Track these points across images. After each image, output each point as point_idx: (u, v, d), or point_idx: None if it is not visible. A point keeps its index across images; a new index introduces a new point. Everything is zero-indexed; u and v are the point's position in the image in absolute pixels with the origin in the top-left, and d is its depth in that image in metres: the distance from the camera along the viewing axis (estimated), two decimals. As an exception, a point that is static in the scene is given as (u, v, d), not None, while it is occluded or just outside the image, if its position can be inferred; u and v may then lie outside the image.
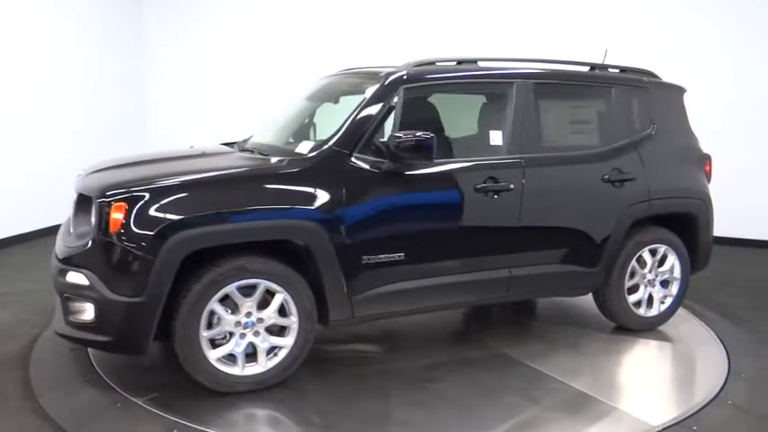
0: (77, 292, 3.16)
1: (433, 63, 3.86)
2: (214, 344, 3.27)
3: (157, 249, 3.02)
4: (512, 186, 3.75)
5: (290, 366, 3.41)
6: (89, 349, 3.76)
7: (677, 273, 4.41)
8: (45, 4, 7.22)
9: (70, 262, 3.19)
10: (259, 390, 3.33)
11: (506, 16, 7.84)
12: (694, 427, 3.11)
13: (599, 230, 4.06)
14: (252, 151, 3.84)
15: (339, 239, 3.35)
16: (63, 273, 3.21)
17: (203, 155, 3.84)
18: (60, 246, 3.42)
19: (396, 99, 3.58)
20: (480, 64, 3.96)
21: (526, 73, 3.97)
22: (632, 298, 4.31)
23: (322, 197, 3.34)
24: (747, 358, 4.01)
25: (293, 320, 3.36)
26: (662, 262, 4.38)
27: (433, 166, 3.58)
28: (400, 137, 3.39)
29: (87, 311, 3.15)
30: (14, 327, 4.35)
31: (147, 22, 9.07)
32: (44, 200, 6.81)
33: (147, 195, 3.09)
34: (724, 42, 7.13)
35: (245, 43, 8.74)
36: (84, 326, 3.18)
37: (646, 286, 4.37)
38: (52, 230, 3.51)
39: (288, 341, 3.38)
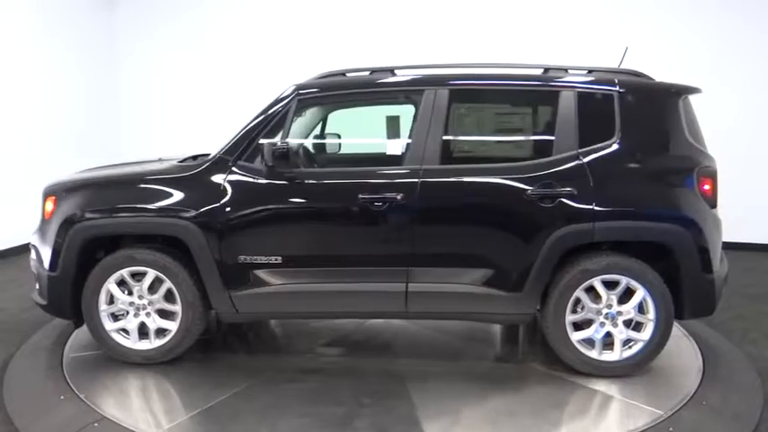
0: (33, 265, 4.08)
1: (343, 74, 3.92)
2: (117, 318, 3.89)
3: (64, 235, 3.77)
4: (399, 197, 3.62)
5: (176, 348, 3.84)
6: (65, 368, 3.88)
7: (651, 313, 3.65)
8: (13, 10, 7.06)
9: (31, 242, 4.13)
10: (148, 364, 3.84)
11: (521, 20, 7.55)
12: (671, 429, 3.15)
13: (519, 251, 3.62)
14: (184, 160, 4.32)
15: (214, 238, 3.69)
16: (29, 250, 4.16)
17: (160, 161, 4.48)
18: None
19: (289, 109, 3.77)
20: (397, 73, 3.88)
21: (436, 81, 3.74)
22: (579, 335, 3.71)
23: (201, 199, 3.72)
24: (721, 360, 4.05)
25: (177, 308, 3.80)
26: (628, 297, 3.68)
27: (315, 176, 3.69)
28: (275, 144, 3.60)
29: (36, 281, 4.04)
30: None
31: (120, 28, 8.96)
32: (18, 216, 6.30)
33: (65, 192, 3.87)
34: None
35: (220, 50, 8.67)
36: (38, 293, 4.09)
37: (602, 324, 3.70)
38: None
39: (173, 325, 3.83)
